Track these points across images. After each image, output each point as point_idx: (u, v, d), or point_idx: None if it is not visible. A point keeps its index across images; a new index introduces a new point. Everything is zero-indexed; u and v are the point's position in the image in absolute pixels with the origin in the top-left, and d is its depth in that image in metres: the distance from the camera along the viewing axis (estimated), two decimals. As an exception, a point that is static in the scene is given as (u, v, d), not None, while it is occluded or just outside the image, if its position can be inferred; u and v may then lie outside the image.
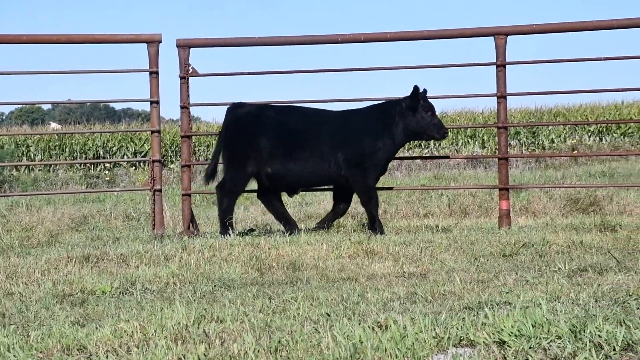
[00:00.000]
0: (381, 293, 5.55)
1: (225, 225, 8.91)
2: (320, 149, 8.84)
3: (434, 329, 4.20)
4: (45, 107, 63.34)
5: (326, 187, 9.43)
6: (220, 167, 9.23)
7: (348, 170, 8.79)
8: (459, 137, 27.42)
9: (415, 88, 8.82)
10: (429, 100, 8.90)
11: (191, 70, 9.51)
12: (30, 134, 28.89)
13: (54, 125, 46.06)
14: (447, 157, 14.06)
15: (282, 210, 9.19)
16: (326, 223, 9.09)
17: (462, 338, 4.10)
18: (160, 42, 9.47)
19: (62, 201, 14.16)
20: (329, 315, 4.86)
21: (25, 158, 27.54)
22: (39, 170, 24.16)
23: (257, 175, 8.98)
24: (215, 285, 6.22)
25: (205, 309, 4.98)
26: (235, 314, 4.88)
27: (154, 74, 9.50)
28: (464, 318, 4.38)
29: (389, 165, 9.38)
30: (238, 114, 9.06)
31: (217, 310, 4.99)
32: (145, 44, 9.50)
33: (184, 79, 9.53)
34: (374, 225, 8.86)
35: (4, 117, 60.70)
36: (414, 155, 25.36)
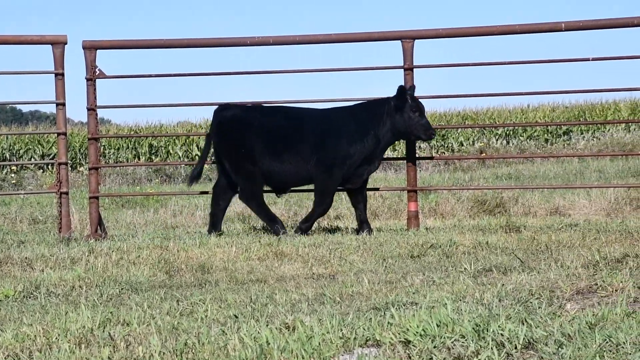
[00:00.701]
0: (290, 294, 5.56)
1: (274, 221, 8.91)
2: (302, 149, 8.84)
3: (341, 330, 4.23)
4: (-50, 108, 61.80)
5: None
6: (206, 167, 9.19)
7: (316, 167, 8.80)
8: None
9: (401, 88, 8.85)
10: (418, 100, 8.94)
11: (98, 72, 9.38)
12: None
13: (-42, 127, 44.95)
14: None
15: (220, 215, 9.12)
16: (364, 224, 8.96)
17: (368, 338, 4.13)
18: (65, 43, 9.30)
19: (-35, 204, 13.84)
20: (236, 317, 4.85)
21: None
22: (-58, 173, 23.55)
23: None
24: (122, 289, 6.15)
25: (111, 312, 4.93)
26: (141, 317, 4.83)
27: (59, 75, 9.34)
28: (370, 318, 4.42)
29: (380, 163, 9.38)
30: (225, 116, 9.02)
31: (124, 313, 4.93)
32: (50, 46, 9.33)
33: (91, 80, 9.40)
34: (305, 224, 8.88)
35: None
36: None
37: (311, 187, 9.16)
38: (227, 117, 9.02)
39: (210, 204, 9.22)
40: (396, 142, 9.91)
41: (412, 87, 8.99)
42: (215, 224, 9.07)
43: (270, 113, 9.08)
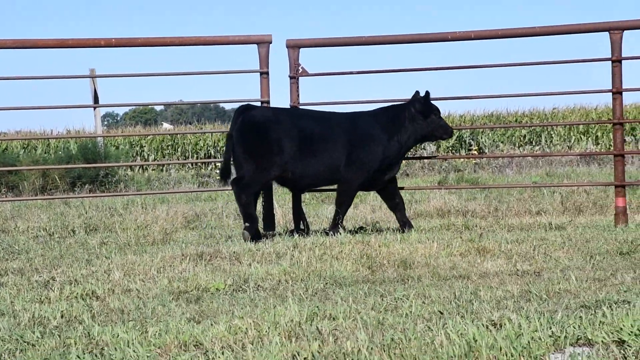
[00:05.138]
0: (494, 291, 5.49)
1: (252, 220, 8.72)
2: (331, 151, 8.79)
3: (550, 328, 4.14)
4: (158, 108, 64.77)
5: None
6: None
7: (344, 169, 8.77)
8: (572, 134, 26.92)
9: (427, 93, 8.87)
10: (433, 102, 8.97)
11: (301, 70, 9.58)
12: (144, 135, 29.55)
13: (166, 125, 47.01)
14: (559, 154, 13.79)
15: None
16: (405, 223, 9.00)
17: (579, 337, 4.03)
18: (270, 42, 9.58)
19: (175, 200, 14.44)
20: (441, 313, 4.83)
21: (139, 158, 28.18)
22: (153, 169, 24.70)
23: (276, 177, 8.93)
24: (326, 283, 6.25)
25: (317, 307, 5.01)
26: (347, 312, 4.89)
27: (264, 74, 9.61)
28: (581, 317, 4.30)
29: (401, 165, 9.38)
30: (253, 116, 8.89)
31: (330, 307, 5.01)
32: (255, 45, 9.62)
33: (294, 78, 9.61)
34: (333, 229, 8.77)
35: (118, 119, 62.28)
36: (524, 152, 25.02)
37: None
38: (255, 115, 8.86)
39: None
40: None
41: (427, 93, 8.91)
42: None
43: (298, 115, 9.00)
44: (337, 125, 8.95)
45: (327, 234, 8.66)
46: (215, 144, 28.61)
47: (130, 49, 9.71)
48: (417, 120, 8.89)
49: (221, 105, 60.34)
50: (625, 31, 8.96)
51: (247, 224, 8.65)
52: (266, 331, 4.47)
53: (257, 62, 9.69)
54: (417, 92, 8.97)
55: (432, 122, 8.92)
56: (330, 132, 8.91)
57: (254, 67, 9.69)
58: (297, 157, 8.80)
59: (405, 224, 9.01)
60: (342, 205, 8.96)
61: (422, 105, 8.90)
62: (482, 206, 11.55)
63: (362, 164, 8.83)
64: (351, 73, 9.95)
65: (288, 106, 9.66)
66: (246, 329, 4.53)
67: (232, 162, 8.98)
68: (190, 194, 15.14)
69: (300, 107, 9.44)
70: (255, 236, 8.58)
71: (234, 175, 9.06)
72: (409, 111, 8.92)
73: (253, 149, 8.82)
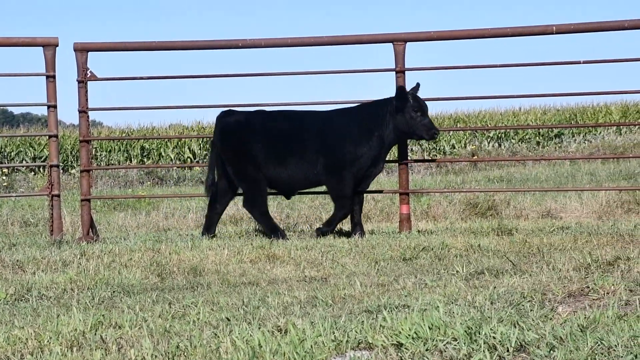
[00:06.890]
0: (282, 297, 5.56)
1: (276, 230, 8.81)
2: (307, 153, 8.83)
3: (333, 333, 4.23)
4: (-59, 110, 61.65)
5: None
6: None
7: (325, 175, 8.82)
8: (362, 143, 27.59)
9: (401, 88, 8.89)
10: (420, 100, 8.96)
11: (89, 74, 9.37)
12: None
13: (-51, 129, 44.85)
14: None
15: (215, 219, 9.12)
16: (357, 227, 8.97)
17: (360, 341, 4.13)
18: (57, 45, 9.28)
19: (-44, 207, 13.79)
20: (228, 319, 4.84)
21: None
22: None
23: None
24: (114, 291, 6.14)
25: (103, 315, 4.92)
26: (133, 320, 4.82)
27: (50, 77, 9.31)
28: (362, 321, 4.42)
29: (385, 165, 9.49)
30: (228, 122, 8.98)
31: (115, 316, 4.92)
32: (41, 48, 9.32)
33: (82, 83, 9.39)
34: (327, 228, 8.87)
35: None
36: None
37: (321, 188, 9.25)
38: (231, 122, 8.99)
39: (207, 206, 9.20)
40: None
41: (417, 86, 8.99)
42: (209, 227, 9.05)
43: (274, 118, 9.04)
44: (312, 124, 8.91)
45: (322, 233, 8.73)
46: (2, 149, 27.51)
47: None
48: (395, 115, 8.83)
49: (9, 109, 58.14)
50: (408, 43, 9.29)
51: (277, 237, 8.66)
52: (47, 341, 4.34)
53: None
54: (401, 87, 8.90)
55: (413, 119, 8.81)
56: (303, 132, 8.87)
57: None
58: (270, 160, 8.78)
59: (356, 226, 8.95)
60: (341, 209, 8.85)
61: (397, 100, 8.82)
62: (274, 213, 11.68)
63: (343, 162, 8.77)
64: (141, 78, 9.82)
65: (77, 110, 9.43)
66: (26, 339, 4.38)
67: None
68: (-27, 200, 14.51)
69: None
70: (282, 236, 8.67)
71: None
72: (390, 106, 8.86)
73: (234, 159, 8.89)
